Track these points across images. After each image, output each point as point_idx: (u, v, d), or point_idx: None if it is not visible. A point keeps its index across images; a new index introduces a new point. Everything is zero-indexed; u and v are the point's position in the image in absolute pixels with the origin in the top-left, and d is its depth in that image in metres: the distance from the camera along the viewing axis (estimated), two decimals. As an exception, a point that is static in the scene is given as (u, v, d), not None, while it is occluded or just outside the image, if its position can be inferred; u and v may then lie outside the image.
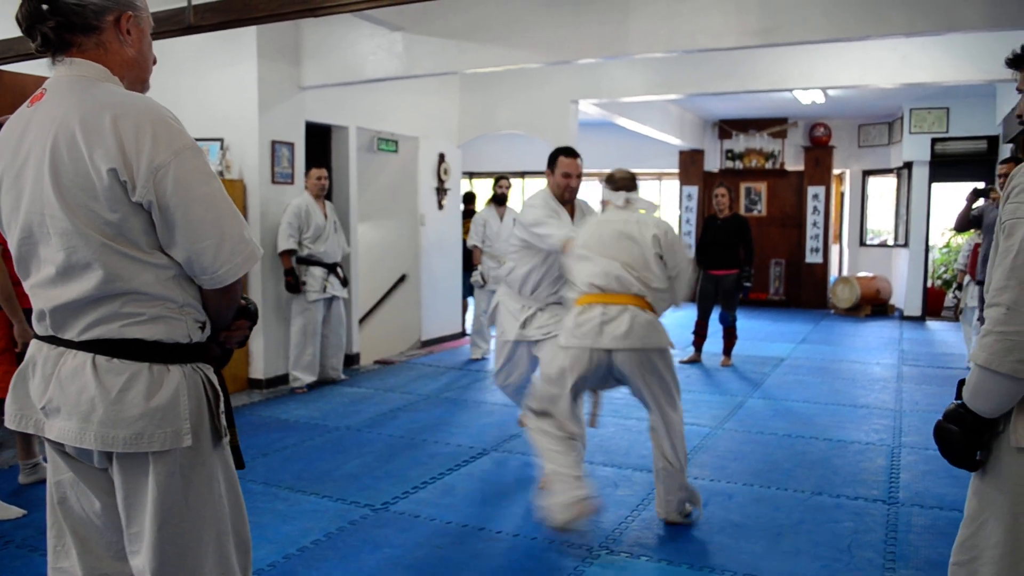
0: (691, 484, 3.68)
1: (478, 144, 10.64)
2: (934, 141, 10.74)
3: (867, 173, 12.75)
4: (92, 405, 1.62)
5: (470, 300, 8.88)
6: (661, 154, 12.61)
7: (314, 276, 6.46)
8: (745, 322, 9.00)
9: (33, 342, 1.75)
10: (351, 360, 7.46)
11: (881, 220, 13.37)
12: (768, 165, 12.65)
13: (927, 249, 11.08)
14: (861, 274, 12.05)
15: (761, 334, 9.59)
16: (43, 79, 1.73)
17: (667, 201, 13.62)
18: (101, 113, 1.58)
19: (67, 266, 1.62)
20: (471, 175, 13.25)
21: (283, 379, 6.65)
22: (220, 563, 1.73)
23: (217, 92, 6.41)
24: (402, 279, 8.50)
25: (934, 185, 10.92)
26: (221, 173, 6.23)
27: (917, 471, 4.47)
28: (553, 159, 4.24)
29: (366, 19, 5.89)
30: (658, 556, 3.38)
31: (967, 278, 7.30)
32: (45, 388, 1.68)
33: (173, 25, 4.18)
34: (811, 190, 12.35)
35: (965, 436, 1.72)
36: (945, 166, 10.77)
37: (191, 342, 1.71)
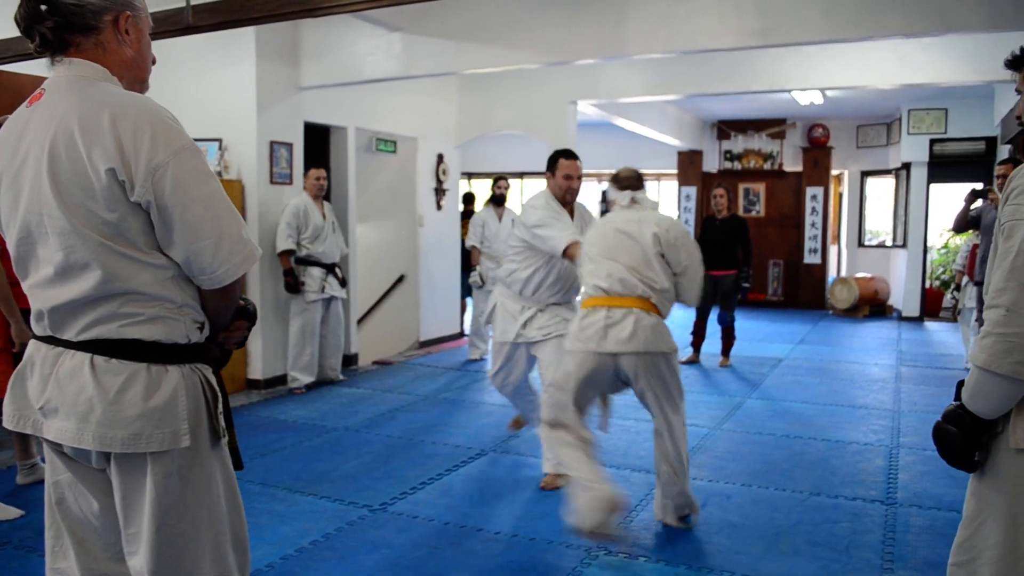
0: (691, 492, 3.66)
1: (477, 145, 10.63)
2: (932, 142, 10.75)
3: (865, 174, 12.76)
4: (90, 405, 1.62)
5: (468, 301, 8.87)
6: (659, 155, 12.63)
7: (312, 276, 6.46)
8: (743, 323, 9.00)
9: (32, 342, 1.75)
10: (349, 361, 7.46)
11: (879, 221, 13.38)
12: (766, 166, 12.66)
13: (925, 250, 11.10)
14: (859, 275, 12.07)
15: (759, 335, 9.59)
16: (42, 79, 1.73)
17: (666, 202, 13.63)
18: (100, 113, 1.57)
19: (65, 266, 1.62)
20: (469, 176, 13.25)
21: (281, 379, 6.64)
22: (218, 564, 1.73)
23: (216, 92, 6.41)
24: (400, 280, 8.50)
25: (932, 186, 10.93)
26: (219, 173, 6.23)
27: (915, 472, 4.48)
28: (553, 161, 4.24)
29: (365, 19, 5.89)
30: (656, 557, 3.38)
31: (965, 279, 7.31)
32: (43, 388, 1.68)
33: (171, 25, 4.17)
34: (809, 191, 12.36)
35: (964, 437, 1.72)
36: (943, 167, 10.78)
37: (189, 342, 1.71)
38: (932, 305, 11.32)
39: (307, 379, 6.57)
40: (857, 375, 7.31)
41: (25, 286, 1.73)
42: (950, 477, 4.19)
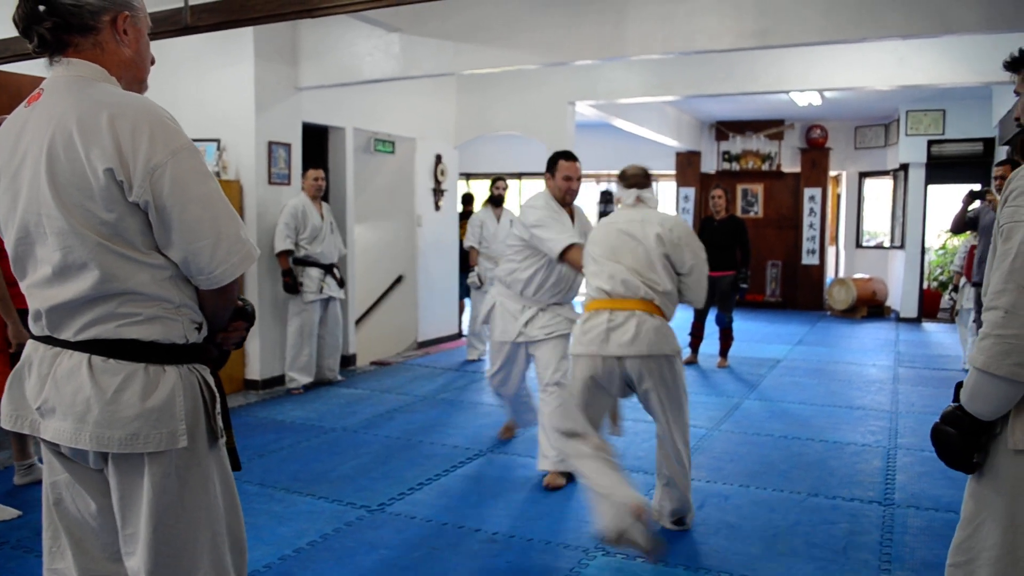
0: (690, 496, 3.65)
1: (475, 145, 10.64)
2: (930, 143, 10.76)
3: (863, 175, 12.77)
4: (87, 405, 1.62)
5: (467, 301, 8.87)
6: (658, 155, 12.62)
7: (311, 277, 6.46)
8: (741, 323, 9.01)
9: (30, 342, 1.75)
10: (347, 361, 7.45)
11: (877, 222, 13.39)
12: (765, 167, 12.66)
13: (923, 251, 11.11)
14: (857, 276, 12.08)
15: (757, 335, 9.60)
16: (40, 79, 1.73)
17: (664, 203, 13.61)
18: (98, 113, 1.57)
19: (63, 266, 1.62)
20: (468, 176, 13.25)
21: (279, 380, 6.64)
22: (215, 564, 1.72)
23: (214, 93, 6.40)
24: (399, 280, 8.49)
25: (930, 187, 10.94)
26: (218, 174, 6.22)
27: (913, 473, 4.48)
28: (553, 163, 4.25)
29: (363, 20, 5.88)
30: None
31: (963, 280, 7.32)
32: (41, 388, 1.68)
33: (170, 25, 4.17)
34: (807, 192, 12.36)
35: (962, 439, 1.73)
36: (941, 168, 10.79)
37: (187, 343, 1.71)
38: (930, 306, 11.33)
39: (305, 380, 6.56)
40: (855, 376, 7.31)
41: (23, 286, 1.73)
42: (947, 478, 4.20)
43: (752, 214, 12.65)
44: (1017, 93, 1.92)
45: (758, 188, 12.73)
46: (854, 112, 11.66)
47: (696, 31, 5.28)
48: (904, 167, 11.11)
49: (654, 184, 3.69)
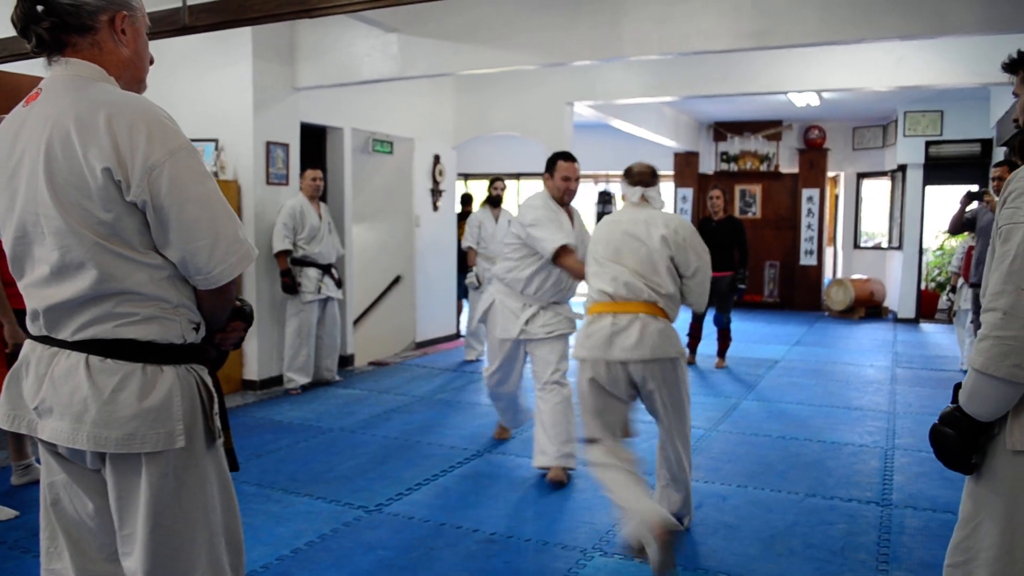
0: (689, 500, 3.64)
1: (473, 146, 10.63)
2: (928, 144, 10.78)
3: (861, 176, 12.79)
4: (85, 405, 1.61)
5: (465, 302, 8.87)
6: (656, 156, 12.57)
7: (309, 277, 6.45)
8: (739, 324, 9.02)
9: (27, 342, 1.75)
10: (345, 361, 7.45)
11: (875, 223, 13.41)
12: (763, 167, 12.68)
13: (921, 252, 11.12)
14: (855, 276, 12.09)
15: (755, 336, 9.60)
16: (39, 79, 1.73)
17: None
18: (96, 112, 1.57)
19: (61, 266, 1.62)
20: (466, 177, 13.25)
21: (277, 380, 6.63)
22: (213, 565, 1.72)
23: (212, 93, 6.40)
24: (397, 280, 8.49)
25: (928, 188, 10.96)
26: (216, 174, 6.21)
27: (910, 473, 4.48)
28: (552, 163, 4.25)
29: (361, 20, 5.88)
30: (652, 558, 3.38)
31: (961, 281, 7.33)
32: (38, 388, 1.67)
33: (168, 25, 4.17)
34: (805, 192, 12.38)
35: (961, 439, 1.73)
36: (939, 169, 10.81)
37: (185, 343, 1.70)
38: (928, 307, 11.35)
39: (303, 380, 6.55)
40: (853, 377, 7.32)
41: (21, 286, 1.73)
42: (945, 479, 4.20)
43: (750, 215, 12.66)
44: (1015, 94, 1.92)
45: (756, 189, 12.75)
46: (852, 113, 11.67)
47: (694, 32, 5.29)
48: (902, 168, 11.12)
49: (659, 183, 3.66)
